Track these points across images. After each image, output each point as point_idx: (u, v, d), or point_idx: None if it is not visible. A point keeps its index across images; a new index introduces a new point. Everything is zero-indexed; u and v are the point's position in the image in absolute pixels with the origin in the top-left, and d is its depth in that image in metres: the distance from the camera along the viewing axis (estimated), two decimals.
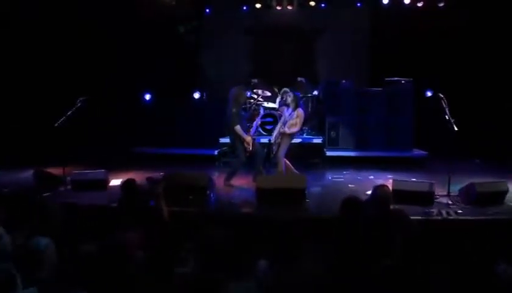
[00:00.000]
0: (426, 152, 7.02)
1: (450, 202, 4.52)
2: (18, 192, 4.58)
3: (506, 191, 4.62)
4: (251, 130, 5.63)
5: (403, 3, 8.16)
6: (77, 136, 6.89)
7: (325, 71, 8.79)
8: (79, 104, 5.28)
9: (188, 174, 4.98)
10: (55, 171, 5.37)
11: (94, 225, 3.48)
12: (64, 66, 7.90)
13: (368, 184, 5.18)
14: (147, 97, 8.21)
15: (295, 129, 5.48)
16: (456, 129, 4.64)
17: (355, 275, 2.61)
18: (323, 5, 8.87)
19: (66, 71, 7.92)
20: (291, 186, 4.62)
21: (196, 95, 8.39)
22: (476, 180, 4.68)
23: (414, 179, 5.30)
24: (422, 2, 8.15)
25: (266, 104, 7.50)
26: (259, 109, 7.23)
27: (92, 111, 6.74)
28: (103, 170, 5.20)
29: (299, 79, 7.77)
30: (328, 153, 7.04)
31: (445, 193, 4.68)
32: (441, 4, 7.98)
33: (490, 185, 4.62)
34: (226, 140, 6.32)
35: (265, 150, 5.76)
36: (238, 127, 5.27)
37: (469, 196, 4.50)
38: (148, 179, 3.95)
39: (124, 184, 3.65)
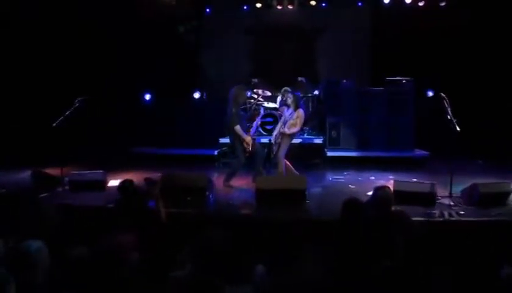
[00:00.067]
0: (428, 153, 6.97)
1: (452, 203, 4.47)
2: (15, 193, 4.54)
3: (509, 193, 4.56)
4: (251, 130, 5.59)
5: (404, 2, 8.11)
6: (76, 136, 6.87)
7: (325, 70, 8.75)
8: (77, 104, 5.25)
9: (186, 175, 4.94)
10: (54, 171, 5.34)
11: (90, 226, 3.43)
12: (64, 66, 7.89)
13: (369, 185, 5.13)
14: (147, 97, 8.19)
15: (295, 129, 5.43)
16: (458, 129, 4.59)
17: (356, 277, 2.57)
18: (324, 4, 8.84)
19: (66, 71, 7.90)
20: (291, 187, 4.57)
21: (196, 95, 8.35)
22: (478, 180, 4.62)
23: (415, 180, 5.25)
24: (423, 2, 8.10)
25: (266, 104, 7.47)
26: (259, 109, 7.20)
27: (92, 111, 6.72)
28: (101, 171, 5.16)
29: (299, 78, 7.74)
30: (329, 153, 6.99)
31: (447, 194, 4.63)
32: (443, 3, 7.93)
33: (494, 186, 4.57)
34: (226, 140, 6.28)
35: (265, 150, 5.72)
36: (237, 127, 5.23)
37: (471, 197, 4.44)
38: (146, 180, 3.90)
39: (121, 185, 3.60)
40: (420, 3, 8.13)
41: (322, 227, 3.57)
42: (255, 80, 7.83)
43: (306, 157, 6.80)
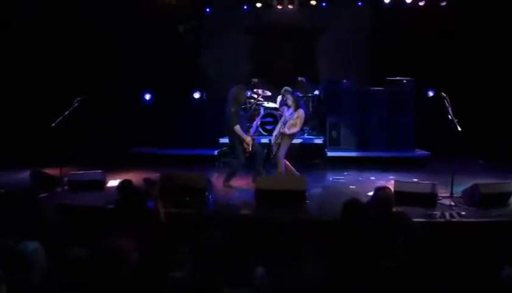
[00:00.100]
0: (429, 153, 6.95)
1: (453, 203, 4.44)
2: (14, 193, 4.53)
3: (510, 193, 4.53)
4: (251, 130, 5.57)
5: (405, 2, 8.08)
6: (75, 136, 6.86)
7: (326, 70, 8.73)
8: (76, 104, 5.23)
9: (185, 175, 4.92)
10: (53, 171, 5.32)
11: (89, 226, 3.42)
12: (64, 66, 7.87)
13: (369, 185, 5.11)
14: (147, 97, 8.17)
15: (295, 130, 5.41)
16: (459, 129, 4.57)
17: (356, 279, 2.56)
18: (324, 4, 8.81)
19: (66, 71, 7.89)
20: (290, 188, 4.55)
21: (196, 95, 8.34)
22: (479, 181, 4.60)
23: (416, 180, 5.23)
24: (423, 1, 8.07)
25: (266, 104, 7.45)
26: (259, 109, 7.18)
27: (92, 111, 6.71)
28: (100, 171, 5.15)
29: (300, 78, 7.72)
30: (329, 153, 6.97)
31: (448, 194, 4.61)
32: (443, 3, 7.91)
33: (495, 186, 4.55)
34: (226, 140, 6.27)
35: (265, 150, 5.70)
36: (237, 127, 5.21)
37: (472, 197, 4.42)
38: (145, 180, 3.88)
39: (120, 185, 3.59)
40: (421, 3, 8.10)
41: (323, 228, 3.55)
42: (255, 80, 7.80)
43: (306, 157, 6.78)
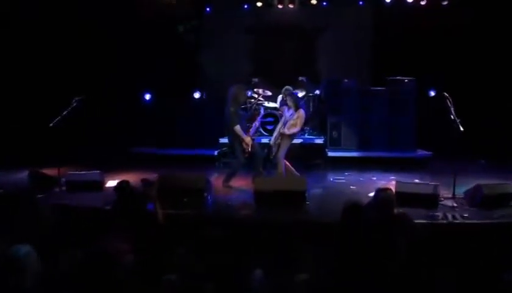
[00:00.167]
0: (431, 153, 6.89)
1: (455, 204, 4.39)
2: (12, 193, 4.50)
3: None
4: (250, 130, 5.53)
5: (406, 1, 8.03)
6: (75, 136, 6.83)
7: (326, 69, 8.68)
8: (75, 104, 5.21)
9: (184, 175, 4.89)
10: (52, 171, 5.29)
11: (86, 228, 3.38)
12: (64, 66, 7.86)
13: (370, 186, 5.08)
14: (147, 97, 8.15)
15: (295, 130, 5.38)
16: (462, 129, 4.52)
17: (358, 280, 2.52)
18: (325, 3, 8.76)
19: (66, 71, 7.87)
20: (290, 188, 4.51)
21: (196, 95, 8.31)
22: (481, 181, 4.56)
23: (417, 181, 5.18)
24: (425, 0, 8.02)
25: (266, 104, 7.41)
26: (259, 109, 7.14)
27: (92, 111, 6.68)
28: (98, 171, 5.12)
29: (300, 78, 7.68)
30: (330, 154, 6.93)
31: (450, 195, 4.56)
32: (445, 2, 7.85)
33: (497, 187, 4.50)
34: (226, 140, 6.23)
35: (265, 151, 5.66)
36: (237, 127, 5.17)
37: (475, 198, 4.37)
38: (142, 181, 3.85)
39: (118, 186, 3.55)
40: (422, 2, 8.04)
41: (323, 229, 3.51)
42: (256, 79, 7.78)
43: (307, 158, 6.74)
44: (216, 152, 7.05)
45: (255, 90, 7.41)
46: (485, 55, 7.52)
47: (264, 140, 6.47)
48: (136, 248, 2.63)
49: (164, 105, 7.85)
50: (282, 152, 5.38)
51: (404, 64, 7.44)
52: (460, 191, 4.60)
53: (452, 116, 4.62)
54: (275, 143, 5.49)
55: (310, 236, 3.46)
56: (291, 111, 5.46)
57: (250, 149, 5.23)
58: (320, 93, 7.80)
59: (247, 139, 5.22)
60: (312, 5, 8.60)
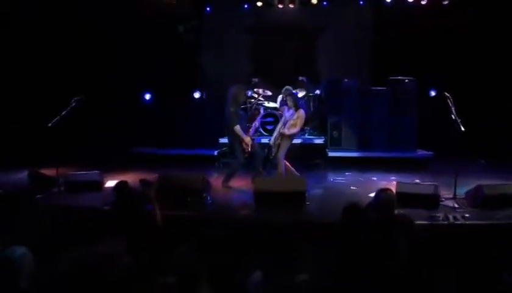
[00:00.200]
0: (432, 153, 6.87)
1: (456, 205, 4.37)
2: (11, 193, 4.49)
3: None
4: (250, 130, 5.51)
5: (407, 0, 8.01)
6: (75, 136, 6.82)
7: (327, 69, 8.68)
8: (74, 104, 5.19)
9: (183, 176, 4.87)
10: (51, 172, 5.27)
11: (85, 228, 3.37)
12: (64, 66, 7.86)
13: (371, 186, 5.06)
14: (147, 97, 8.14)
15: (295, 130, 5.36)
16: (463, 129, 4.50)
17: (358, 281, 2.50)
18: (325, 3, 8.76)
19: (66, 71, 7.87)
20: (289, 189, 4.49)
21: (196, 95, 8.30)
22: (482, 181, 4.53)
23: (418, 181, 5.16)
24: (425, 0, 8.00)
25: (266, 104, 7.39)
26: (259, 109, 7.13)
27: (92, 111, 6.67)
28: (97, 171, 5.10)
29: (300, 78, 7.67)
30: (330, 154, 6.91)
31: (451, 195, 4.54)
32: (445, 2, 7.83)
33: (499, 187, 4.47)
34: (226, 140, 6.22)
35: (265, 151, 5.64)
36: (237, 127, 5.15)
37: (476, 198, 4.35)
38: (141, 181, 3.83)
39: (116, 186, 3.54)
40: (423, 2, 8.03)
41: (323, 230, 3.49)
42: (256, 79, 7.77)
43: (307, 158, 6.73)
44: (215, 152, 7.04)
45: (255, 90, 7.40)
46: (486, 55, 7.50)
47: (264, 140, 6.46)
48: (133, 249, 2.61)
49: (164, 105, 7.84)
50: (282, 153, 5.36)
51: (404, 64, 7.41)
52: (461, 191, 4.57)
53: (453, 116, 4.60)
54: (275, 143, 5.47)
55: (310, 236, 3.43)
56: (291, 111, 5.44)
57: (250, 149, 5.22)
58: (321, 92, 7.79)
59: (247, 139, 5.20)
60: (313, 4, 8.60)
